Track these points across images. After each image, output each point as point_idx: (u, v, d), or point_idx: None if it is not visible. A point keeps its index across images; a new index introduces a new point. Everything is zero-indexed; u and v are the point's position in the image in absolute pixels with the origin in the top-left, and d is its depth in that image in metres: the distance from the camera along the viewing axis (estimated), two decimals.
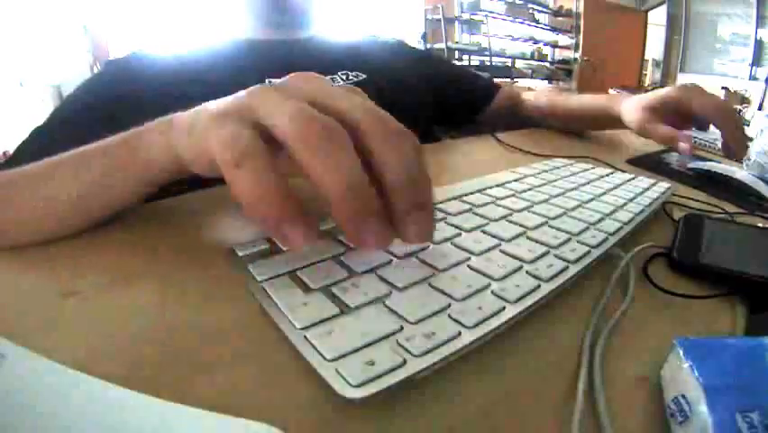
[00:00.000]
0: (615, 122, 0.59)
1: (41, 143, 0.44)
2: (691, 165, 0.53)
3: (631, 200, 0.36)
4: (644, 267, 0.29)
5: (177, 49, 0.56)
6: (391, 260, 0.25)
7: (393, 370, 0.17)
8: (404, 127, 0.22)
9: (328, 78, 0.58)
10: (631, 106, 0.54)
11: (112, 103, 0.48)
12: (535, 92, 0.75)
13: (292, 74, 0.25)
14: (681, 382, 0.18)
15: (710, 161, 0.60)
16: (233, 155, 0.20)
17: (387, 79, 0.61)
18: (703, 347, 0.18)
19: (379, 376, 0.17)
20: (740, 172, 0.50)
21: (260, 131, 0.21)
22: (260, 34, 0.61)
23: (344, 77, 0.58)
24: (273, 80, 0.54)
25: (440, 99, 0.69)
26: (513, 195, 0.36)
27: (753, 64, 3.59)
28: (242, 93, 0.23)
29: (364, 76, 0.60)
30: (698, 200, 0.42)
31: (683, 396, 0.17)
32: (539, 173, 0.42)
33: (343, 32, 0.70)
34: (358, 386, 0.16)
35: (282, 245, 0.24)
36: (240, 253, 0.25)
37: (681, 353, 0.18)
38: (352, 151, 0.20)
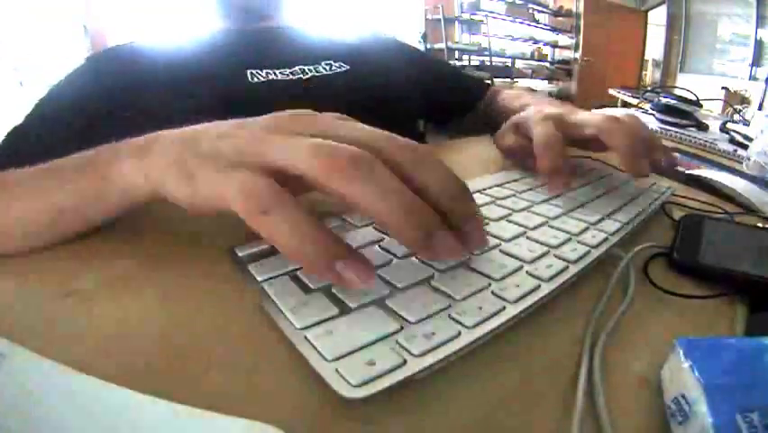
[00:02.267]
0: None
1: (21, 143, 0.43)
2: (688, 172, 0.53)
3: (631, 200, 0.36)
4: (645, 267, 0.29)
5: (155, 42, 0.56)
6: (391, 260, 0.25)
7: (393, 370, 0.17)
8: (422, 147, 0.22)
9: (311, 67, 0.55)
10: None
11: (92, 98, 0.47)
12: (510, 94, 0.69)
13: (285, 113, 0.24)
14: (681, 382, 0.18)
15: (711, 163, 0.60)
16: (258, 204, 0.19)
17: (370, 73, 0.60)
18: (703, 347, 0.18)
19: (379, 376, 0.17)
20: (738, 181, 0.50)
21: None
22: (234, 24, 0.60)
23: (327, 67, 0.58)
24: (254, 71, 0.52)
25: (429, 97, 0.69)
26: (513, 195, 0.36)
27: (753, 64, 3.59)
28: (239, 136, 0.23)
29: (347, 67, 0.59)
30: (697, 200, 0.42)
31: (683, 396, 0.17)
32: (539, 173, 0.42)
33: (329, 24, 0.70)
34: (358, 386, 0.16)
35: (342, 285, 0.20)
36: (240, 253, 0.25)
37: (682, 353, 0.18)
38: (391, 173, 0.20)
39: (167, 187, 0.24)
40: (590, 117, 0.40)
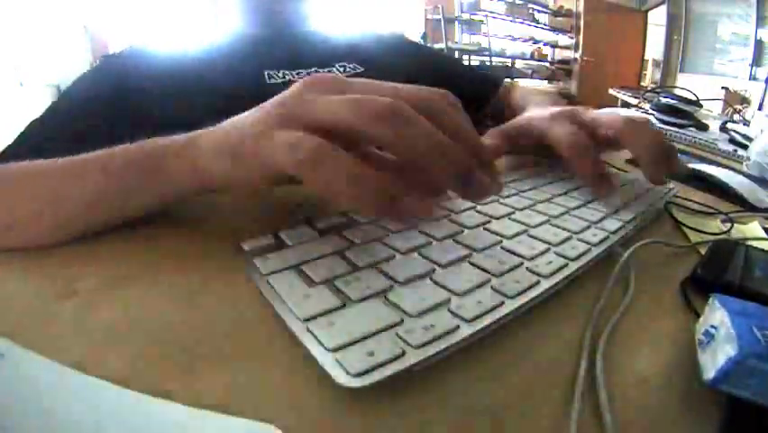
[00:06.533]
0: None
1: (38, 138, 0.43)
2: (690, 165, 0.54)
3: (633, 200, 0.36)
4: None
5: (174, 43, 0.56)
6: (394, 255, 0.25)
7: (392, 360, 0.17)
8: (442, 95, 0.24)
9: (326, 69, 0.57)
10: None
11: (110, 98, 0.47)
12: (526, 92, 0.69)
13: (310, 77, 0.25)
14: (711, 318, 0.21)
15: (711, 163, 0.60)
16: (311, 156, 0.20)
17: (384, 73, 0.61)
18: (734, 300, 0.21)
19: (378, 366, 0.17)
20: (736, 177, 0.50)
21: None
22: (256, 28, 0.61)
23: (342, 69, 0.59)
24: (271, 72, 0.53)
25: None
26: (516, 194, 0.36)
27: (753, 64, 3.59)
28: (274, 103, 0.24)
29: (361, 69, 0.60)
30: (698, 202, 0.42)
31: (712, 326, 0.20)
32: (543, 173, 0.42)
33: (342, 25, 0.70)
34: (357, 375, 0.17)
35: (400, 222, 0.25)
36: (246, 248, 0.25)
37: (716, 302, 0.21)
38: (423, 118, 0.22)
39: (213, 171, 0.26)
40: (608, 117, 0.39)
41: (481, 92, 0.71)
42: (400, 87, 0.24)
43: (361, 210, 0.22)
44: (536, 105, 0.50)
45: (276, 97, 0.25)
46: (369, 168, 0.21)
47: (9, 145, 0.42)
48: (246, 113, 0.26)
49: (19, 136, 0.44)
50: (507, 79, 0.76)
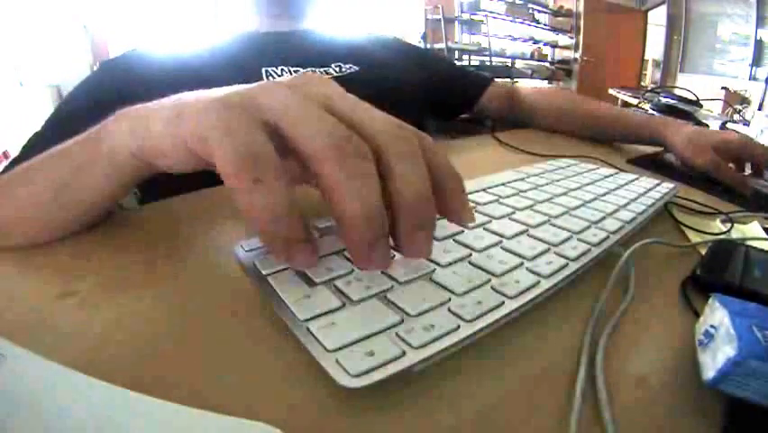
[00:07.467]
0: (655, 143, 0.60)
1: (40, 148, 0.44)
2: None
3: (634, 200, 0.36)
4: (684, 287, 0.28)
5: (174, 46, 0.57)
6: (394, 255, 0.25)
7: (392, 361, 0.17)
8: (423, 140, 0.21)
9: (322, 69, 0.58)
10: (694, 144, 0.53)
11: (110, 103, 0.47)
12: (536, 91, 0.75)
13: (301, 74, 0.23)
14: (711, 318, 0.21)
15: None
16: (253, 168, 0.18)
17: (378, 73, 0.63)
18: (733, 300, 0.21)
19: (378, 367, 0.17)
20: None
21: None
22: (260, 26, 0.63)
23: (337, 68, 0.60)
24: (270, 69, 0.54)
25: (432, 94, 0.70)
26: (516, 194, 0.36)
27: (753, 64, 3.59)
28: (249, 86, 0.21)
29: (356, 68, 0.61)
30: (699, 202, 0.42)
31: (712, 325, 0.20)
32: (543, 173, 0.42)
33: (339, 26, 0.72)
34: (357, 376, 0.17)
35: (287, 263, 0.21)
36: (246, 248, 0.25)
37: (716, 302, 0.21)
38: (376, 177, 0.19)
39: (152, 134, 0.23)
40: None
41: (471, 92, 0.74)
42: (385, 126, 0.21)
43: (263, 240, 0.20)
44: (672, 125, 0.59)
45: (264, 82, 0.22)
46: (292, 205, 0.18)
47: (13, 159, 0.43)
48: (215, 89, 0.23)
49: (22, 149, 0.44)
50: (507, 79, 0.79)
